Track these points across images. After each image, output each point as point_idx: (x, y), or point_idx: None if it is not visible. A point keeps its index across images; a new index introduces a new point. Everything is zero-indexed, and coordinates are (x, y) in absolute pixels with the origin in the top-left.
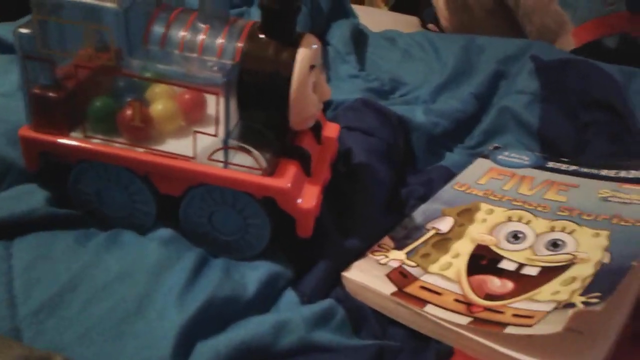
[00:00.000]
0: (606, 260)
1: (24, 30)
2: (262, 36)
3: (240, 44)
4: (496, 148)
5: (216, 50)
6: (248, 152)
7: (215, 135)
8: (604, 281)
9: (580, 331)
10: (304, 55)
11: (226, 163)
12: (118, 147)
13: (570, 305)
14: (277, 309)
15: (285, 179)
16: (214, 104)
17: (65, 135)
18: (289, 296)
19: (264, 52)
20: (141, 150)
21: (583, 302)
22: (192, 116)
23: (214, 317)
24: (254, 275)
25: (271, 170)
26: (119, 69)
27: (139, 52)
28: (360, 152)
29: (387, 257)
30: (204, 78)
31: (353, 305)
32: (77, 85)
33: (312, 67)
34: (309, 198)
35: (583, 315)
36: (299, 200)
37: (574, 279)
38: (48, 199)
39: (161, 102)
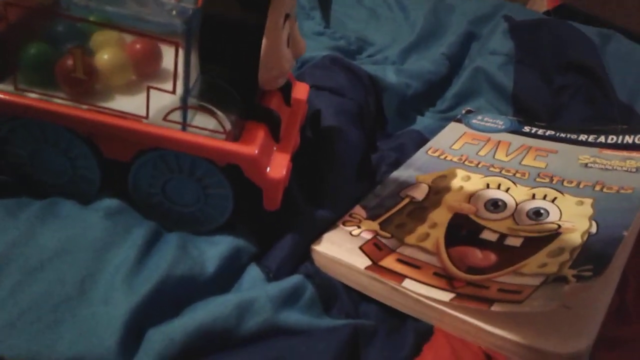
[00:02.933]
0: (593, 230)
1: None
2: None
3: None
4: (469, 112)
5: None
6: (211, 112)
7: (172, 92)
8: (594, 253)
9: (568, 306)
10: (275, 5)
11: (184, 125)
12: (56, 103)
13: (560, 278)
14: (240, 288)
15: (252, 145)
16: (171, 56)
17: None
18: (253, 273)
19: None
20: (84, 107)
21: (575, 276)
22: (145, 69)
23: (167, 299)
24: (213, 251)
25: (236, 135)
26: (58, 9)
27: None
28: (329, 113)
29: (359, 227)
30: (160, 24)
31: (323, 281)
32: (7, 28)
33: (286, 16)
34: (278, 167)
35: (576, 291)
36: (267, 169)
37: (561, 250)
38: None
39: (108, 51)
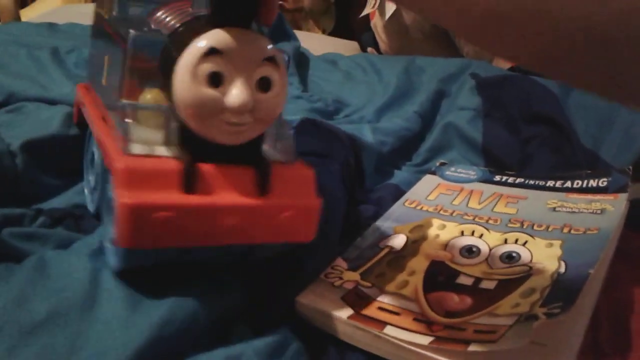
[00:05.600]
0: (562, 269)
1: None
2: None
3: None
4: (442, 164)
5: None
6: (125, 120)
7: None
8: (563, 291)
9: (543, 343)
10: (205, 36)
11: (115, 131)
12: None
13: (532, 317)
14: (227, 342)
15: (129, 160)
16: None
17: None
18: (241, 329)
19: (189, 27)
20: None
21: (545, 313)
22: None
23: (160, 353)
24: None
25: (139, 155)
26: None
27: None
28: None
29: (341, 279)
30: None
31: (308, 333)
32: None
33: (213, 50)
34: (147, 198)
35: (546, 327)
36: (128, 191)
37: (532, 291)
38: None
39: None
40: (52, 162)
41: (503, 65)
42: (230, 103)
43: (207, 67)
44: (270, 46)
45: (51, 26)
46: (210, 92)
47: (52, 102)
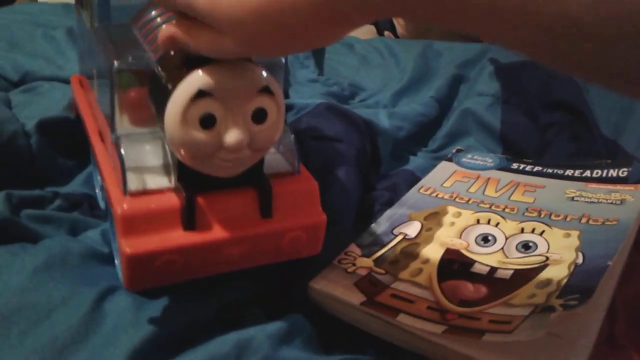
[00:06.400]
0: (579, 260)
1: None
2: None
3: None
4: (459, 151)
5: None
6: (118, 158)
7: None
8: (580, 282)
9: (559, 335)
10: (193, 77)
11: (115, 165)
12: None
13: (548, 308)
14: (240, 326)
15: (128, 203)
16: None
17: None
18: (254, 313)
19: (175, 59)
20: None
21: (561, 305)
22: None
23: (171, 338)
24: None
25: (138, 193)
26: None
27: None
28: (330, 161)
29: (354, 265)
30: (105, 60)
31: (321, 318)
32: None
33: (202, 92)
34: (147, 244)
35: (562, 319)
36: (129, 238)
37: (549, 281)
38: None
39: None
40: (65, 143)
41: None
42: (226, 145)
43: (198, 110)
44: (264, 74)
45: (66, 6)
46: (202, 135)
47: (67, 82)
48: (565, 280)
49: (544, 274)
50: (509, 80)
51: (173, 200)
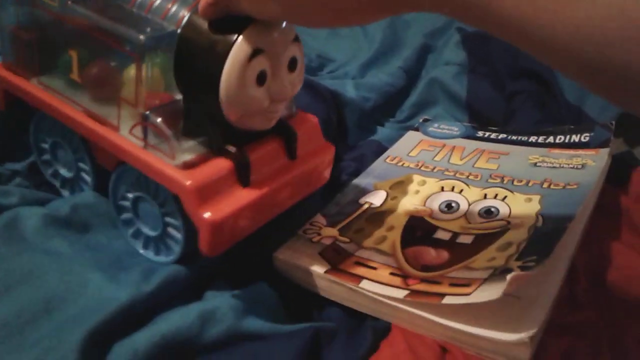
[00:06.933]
0: (539, 224)
1: None
2: None
3: (187, 12)
4: (426, 120)
5: (161, 13)
6: (163, 134)
7: (134, 106)
8: (539, 244)
9: (517, 296)
10: (246, 37)
11: (145, 143)
12: (59, 101)
13: (506, 270)
14: (204, 298)
15: (192, 177)
16: None
17: (27, 78)
18: (217, 284)
19: (205, 25)
20: (79, 108)
21: (519, 267)
22: None
23: (135, 315)
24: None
25: (190, 164)
26: (62, 13)
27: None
28: None
29: (319, 235)
30: (126, 37)
31: (285, 287)
32: (47, 29)
33: (257, 51)
34: (221, 209)
35: (520, 280)
36: (203, 208)
37: (509, 245)
38: None
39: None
40: (24, 119)
41: None
42: (278, 96)
43: (255, 68)
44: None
45: None
46: (259, 91)
47: None
48: (524, 244)
49: (505, 238)
50: (476, 49)
51: (223, 163)
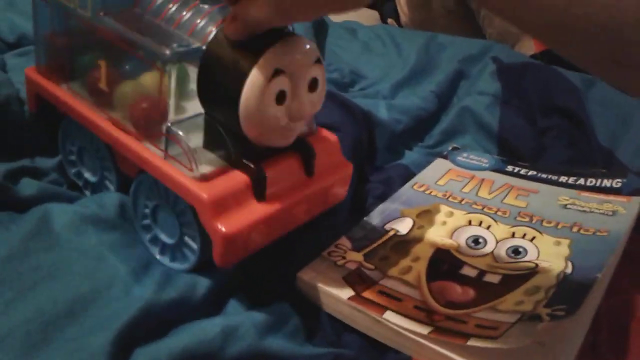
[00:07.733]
0: (569, 270)
1: None
2: None
3: (214, 28)
4: (455, 149)
5: (189, 28)
6: (183, 146)
7: (157, 118)
8: (569, 293)
9: (542, 343)
10: (267, 58)
11: (166, 154)
12: (86, 107)
13: (535, 316)
14: (226, 313)
15: (208, 189)
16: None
17: (57, 83)
18: (240, 299)
19: (229, 42)
20: (104, 116)
21: (548, 315)
22: None
23: (156, 321)
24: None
25: (208, 176)
26: (93, 23)
27: (118, 11)
28: None
29: (344, 258)
30: (152, 51)
31: (307, 310)
32: (79, 38)
33: (278, 71)
34: (236, 222)
35: (549, 329)
36: (218, 221)
37: (537, 289)
38: None
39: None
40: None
41: (526, 51)
42: (296, 115)
43: (275, 87)
44: (315, 46)
45: None
46: (278, 110)
47: None
48: (553, 290)
49: (533, 281)
50: (510, 81)
51: (240, 177)
